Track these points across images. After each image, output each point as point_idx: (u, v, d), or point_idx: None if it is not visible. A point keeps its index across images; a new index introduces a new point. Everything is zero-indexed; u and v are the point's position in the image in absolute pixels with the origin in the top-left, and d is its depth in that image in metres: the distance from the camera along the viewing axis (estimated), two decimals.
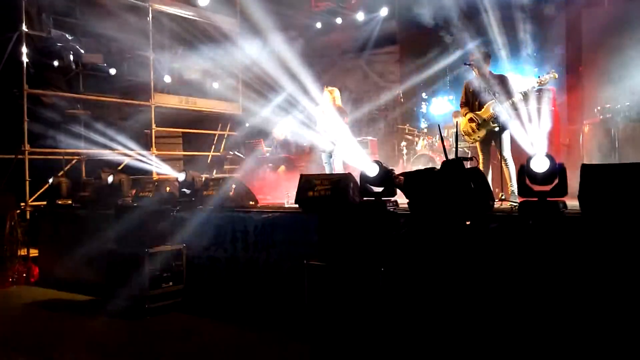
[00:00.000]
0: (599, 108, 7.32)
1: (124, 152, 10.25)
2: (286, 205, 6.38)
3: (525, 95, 6.24)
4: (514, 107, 6.15)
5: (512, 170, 6.11)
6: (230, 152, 10.61)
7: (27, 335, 5.44)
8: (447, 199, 2.43)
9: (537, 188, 4.22)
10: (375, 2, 11.13)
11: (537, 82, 6.19)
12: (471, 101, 6.44)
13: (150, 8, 10.38)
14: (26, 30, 9.03)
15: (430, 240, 2.43)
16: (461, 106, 6.60)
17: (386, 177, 4.79)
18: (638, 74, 7.46)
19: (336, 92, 7.95)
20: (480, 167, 6.29)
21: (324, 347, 4.43)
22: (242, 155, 10.25)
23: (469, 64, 6.48)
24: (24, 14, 8.97)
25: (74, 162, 9.98)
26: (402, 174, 3.46)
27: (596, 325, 3.56)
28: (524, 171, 4.27)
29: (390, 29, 11.13)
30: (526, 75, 8.58)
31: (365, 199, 4.91)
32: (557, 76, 6.28)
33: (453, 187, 2.41)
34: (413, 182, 2.42)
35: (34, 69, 9.27)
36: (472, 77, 6.53)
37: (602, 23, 8.80)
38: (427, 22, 10.32)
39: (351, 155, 7.64)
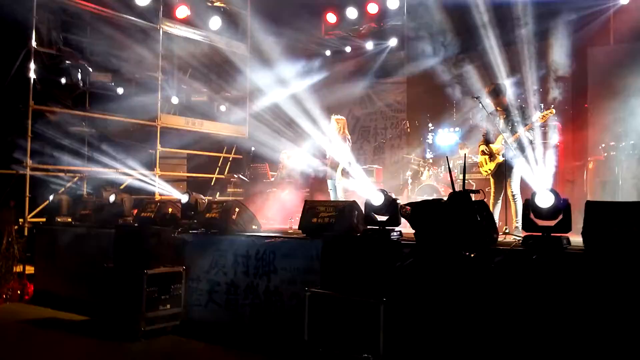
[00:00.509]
0: (603, 145, 7.34)
1: (127, 171, 10.25)
2: (289, 231, 6.34)
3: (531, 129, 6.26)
4: (527, 140, 6.16)
5: (519, 206, 6.08)
6: (235, 176, 10.60)
7: (17, 354, 5.34)
8: (453, 231, 2.40)
9: (541, 223, 4.20)
10: (385, 32, 11.27)
11: (539, 118, 6.21)
12: (491, 133, 6.48)
13: (160, 30, 10.50)
14: (35, 47, 9.11)
15: (435, 271, 2.40)
16: (483, 137, 6.62)
17: (391, 206, 4.77)
18: None
19: (343, 121, 8.00)
20: (491, 200, 6.28)
21: None
22: (246, 179, 10.24)
23: (476, 97, 6.51)
24: (34, 31, 9.06)
25: (75, 179, 9.98)
26: (409, 204, 3.43)
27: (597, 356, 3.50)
28: (528, 206, 4.25)
29: (399, 59, 11.24)
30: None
31: (369, 227, 4.89)
32: (554, 112, 6.32)
33: (459, 219, 2.38)
34: (420, 212, 2.40)
35: (41, 85, 9.33)
36: (492, 110, 6.53)
37: (608, 61, 8.88)
38: (434, 54, 10.46)
39: (356, 183, 7.63)
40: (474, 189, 5.12)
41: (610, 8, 8.78)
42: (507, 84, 6.80)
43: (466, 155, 3.33)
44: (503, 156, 6.21)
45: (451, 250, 2.41)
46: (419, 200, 3.38)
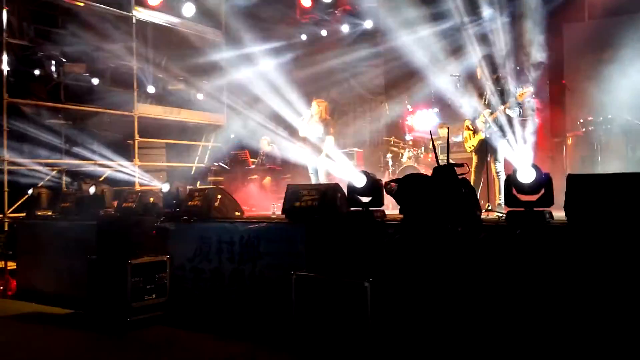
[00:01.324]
0: (581, 121, 7.42)
1: (106, 163, 10.12)
2: (273, 216, 6.32)
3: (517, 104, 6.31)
4: (507, 118, 6.21)
5: (502, 183, 6.14)
6: (215, 163, 10.52)
7: (3, 349, 5.27)
8: (438, 205, 2.41)
9: (523, 198, 4.25)
10: (360, 14, 11.20)
11: (517, 96, 6.26)
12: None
13: (134, 18, 10.31)
14: (7, 38, 8.89)
15: (421, 246, 2.40)
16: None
17: (374, 187, 4.78)
18: (619, 87, 7.58)
19: (324, 104, 7.98)
20: (472, 177, 6.33)
21: (312, 359, 4.37)
22: (227, 167, 10.17)
23: (455, 75, 6.54)
24: (5, 23, 8.83)
25: (54, 173, 9.82)
26: (395, 180, 3.44)
27: (583, 333, 3.56)
28: (510, 182, 4.29)
29: (375, 41, 11.20)
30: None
31: (352, 209, 4.89)
32: (532, 90, 6.37)
33: (444, 192, 2.39)
34: (406, 187, 2.40)
35: (15, 77, 9.13)
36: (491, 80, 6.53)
37: (583, 37, 8.96)
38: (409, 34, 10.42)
39: (337, 166, 7.63)
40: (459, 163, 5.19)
41: None
42: (484, 62, 6.81)
43: (449, 130, 3.33)
44: (494, 126, 6.25)
45: (437, 225, 2.42)
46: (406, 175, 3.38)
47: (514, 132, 6.22)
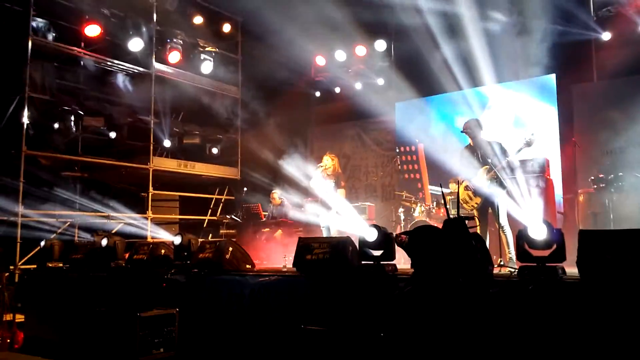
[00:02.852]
0: (592, 178, 7.44)
1: (119, 215, 10.21)
2: (284, 269, 6.30)
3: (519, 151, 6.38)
4: (509, 168, 6.27)
5: (509, 237, 6.15)
6: (227, 217, 10.58)
7: None
8: (449, 257, 2.41)
9: (535, 254, 4.22)
10: (372, 72, 11.48)
11: (525, 142, 6.34)
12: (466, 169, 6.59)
13: (153, 75, 10.66)
14: (29, 93, 9.19)
15: (433, 300, 2.39)
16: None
17: (385, 241, 4.78)
18: (628, 145, 7.62)
19: (336, 159, 8.09)
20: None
21: None
22: (239, 220, 10.22)
23: (464, 132, 6.65)
24: (28, 77, 9.16)
25: (67, 225, 9.91)
26: (405, 232, 3.45)
27: None
28: (522, 237, 4.28)
29: (386, 99, 11.43)
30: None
31: (364, 262, 4.87)
32: (534, 137, 6.47)
33: (455, 244, 2.40)
34: (416, 240, 2.41)
35: (34, 130, 9.37)
36: (467, 145, 6.70)
37: (592, 97, 9.11)
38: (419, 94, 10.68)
39: (348, 220, 7.64)
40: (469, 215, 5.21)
41: (591, 43, 9.05)
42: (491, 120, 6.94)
43: (459, 183, 3.35)
44: (488, 187, 6.30)
45: (449, 278, 2.42)
46: (417, 227, 3.39)
47: (520, 189, 6.25)
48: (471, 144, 6.62)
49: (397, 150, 11.09)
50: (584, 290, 3.73)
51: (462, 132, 6.76)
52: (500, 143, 6.53)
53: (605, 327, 3.52)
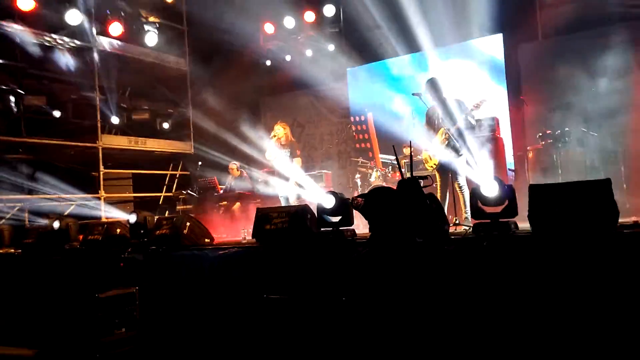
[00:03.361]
0: (540, 134, 7.64)
1: (70, 197, 9.91)
2: (243, 242, 6.28)
3: (472, 114, 6.49)
4: (467, 127, 6.38)
5: (466, 197, 6.28)
6: (183, 192, 10.41)
7: None
8: (405, 217, 2.44)
9: (489, 211, 4.34)
10: (323, 38, 11.37)
11: (473, 106, 6.47)
12: (432, 128, 6.68)
13: (95, 49, 10.23)
14: None
15: (390, 260, 2.42)
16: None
17: (343, 207, 4.81)
18: (574, 101, 7.84)
19: (287, 127, 8.03)
20: (438, 194, 6.46)
21: None
22: (195, 194, 10.08)
23: (417, 94, 6.71)
24: None
25: (16, 209, 9.56)
26: (361, 195, 3.47)
27: (548, 338, 3.62)
28: (475, 195, 4.39)
29: (338, 65, 11.37)
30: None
31: (323, 229, 4.90)
32: (485, 100, 6.61)
33: (410, 204, 2.43)
34: (372, 201, 2.43)
35: None
36: (430, 107, 6.77)
37: (538, 55, 9.30)
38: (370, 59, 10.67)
39: (306, 189, 7.65)
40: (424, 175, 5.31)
41: (535, 1, 9.22)
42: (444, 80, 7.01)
43: (411, 145, 3.39)
44: (446, 148, 6.42)
45: (405, 238, 2.45)
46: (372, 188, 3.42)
47: (475, 148, 6.38)
48: (431, 103, 6.69)
49: (352, 119, 11.10)
50: (536, 243, 3.86)
51: (414, 94, 6.82)
52: (459, 100, 6.61)
53: (557, 278, 3.66)
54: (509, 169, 8.41)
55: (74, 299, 5.73)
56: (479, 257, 3.96)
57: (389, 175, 8.96)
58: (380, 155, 10.33)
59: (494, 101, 8.70)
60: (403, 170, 2.99)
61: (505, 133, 8.82)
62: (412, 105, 8.12)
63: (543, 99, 8.43)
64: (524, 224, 4.23)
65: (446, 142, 6.44)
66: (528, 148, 7.98)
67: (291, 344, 4.31)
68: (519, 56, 9.48)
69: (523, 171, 7.98)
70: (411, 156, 3.10)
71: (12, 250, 7.64)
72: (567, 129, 7.32)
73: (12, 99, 9.87)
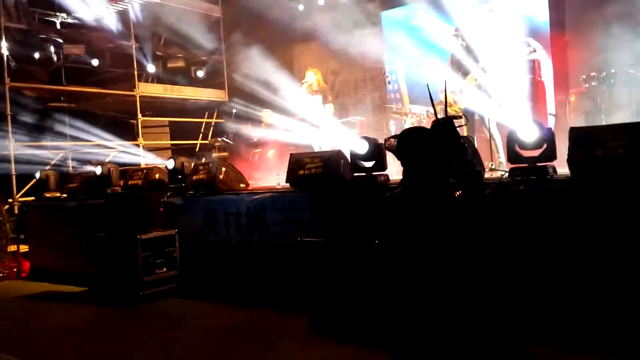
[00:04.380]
0: (584, 77, 7.35)
1: (110, 144, 10.17)
2: (278, 187, 6.36)
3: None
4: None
5: (499, 144, 6.18)
6: (219, 139, 10.53)
7: (24, 326, 5.41)
8: (440, 158, 2.42)
9: (526, 155, 4.25)
10: None
11: (530, 50, 6.26)
12: (459, 71, 6.52)
13: None
14: (5, 23, 8.86)
15: (424, 201, 2.42)
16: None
17: (376, 152, 4.80)
18: (621, 44, 7.47)
19: (319, 73, 7.93)
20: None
21: (321, 318, 4.45)
22: (230, 142, 10.18)
23: (455, 35, 6.51)
24: (1, 7, 8.80)
25: (60, 155, 9.88)
26: (394, 136, 3.44)
27: (587, 285, 3.60)
28: (512, 139, 4.29)
29: (373, 8, 11.05)
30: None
31: (356, 174, 4.92)
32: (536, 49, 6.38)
33: (444, 146, 2.40)
34: (405, 142, 2.40)
35: (15, 62, 9.13)
36: (457, 48, 6.58)
37: None
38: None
39: (339, 136, 7.62)
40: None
41: None
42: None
43: (446, 82, 3.31)
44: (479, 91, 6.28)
45: (439, 178, 2.43)
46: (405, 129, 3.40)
47: (505, 94, 6.21)
48: (463, 44, 6.49)
49: (385, 68, 10.86)
50: (574, 188, 3.78)
51: (453, 35, 6.62)
52: (491, 44, 6.41)
53: (597, 224, 3.59)
54: (550, 114, 8.15)
55: (118, 240, 5.96)
56: (515, 201, 3.92)
57: (424, 121, 8.82)
58: (410, 106, 10.15)
59: (537, 44, 8.36)
60: (437, 107, 2.93)
61: (547, 77, 8.50)
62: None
63: (589, 40, 8.04)
64: (562, 170, 4.14)
65: (477, 86, 6.26)
66: (571, 91, 7.70)
67: (324, 285, 4.41)
68: None
69: (564, 116, 7.72)
70: (446, 96, 3.04)
71: (58, 194, 7.95)
72: (613, 70, 7.01)
73: (52, 48, 10.03)
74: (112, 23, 10.27)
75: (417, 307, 2.43)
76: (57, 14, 10.05)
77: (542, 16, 8.89)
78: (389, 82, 10.51)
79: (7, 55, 8.80)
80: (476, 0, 8.41)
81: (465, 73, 6.43)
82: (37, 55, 9.84)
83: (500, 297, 2.59)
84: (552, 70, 8.48)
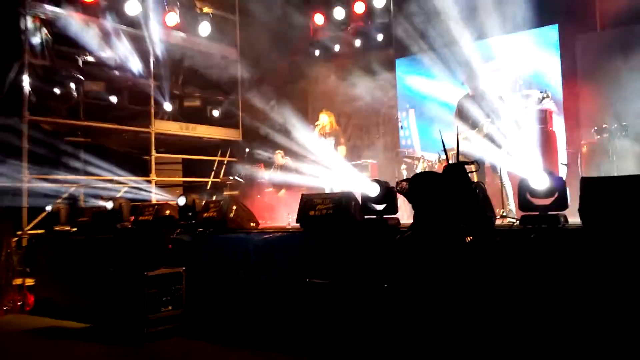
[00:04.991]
0: (596, 128, 7.38)
1: (123, 179, 10.26)
2: (288, 227, 6.36)
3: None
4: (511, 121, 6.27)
5: (509, 191, 6.17)
6: (231, 177, 10.61)
7: None
8: (451, 203, 2.42)
9: (537, 203, 4.24)
10: (372, 29, 11.31)
11: (542, 96, 6.32)
12: (466, 121, 6.57)
13: (152, 39, 10.51)
14: (29, 59, 9.12)
15: (434, 245, 2.42)
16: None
17: (387, 195, 4.81)
18: (633, 95, 7.54)
19: (332, 115, 8.04)
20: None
21: None
22: (242, 180, 10.25)
23: (464, 83, 6.61)
24: (27, 43, 9.07)
25: (72, 189, 9.97)
26: (405, 179, 3.46)
27: (598, 334, 3.52)
28: (523, 187, 4.29)
29: (387, 56, 11.30)
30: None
31: (367, 217, 4.91)
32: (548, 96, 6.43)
33: (456, 191, 2.40)
34: (417, 185, 2.41)
35: (36, 96, 9.34)
36: (465, 96, 6.67)
37: (596, 47, 8.94)
38: (423, 50, 10.51)
39: (350, 178, 7.65)
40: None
41: None
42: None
43: (458, 129, 3.33)
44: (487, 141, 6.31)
45: (450, 222, 2.43)
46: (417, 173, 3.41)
47: (516, 143, 6.25)
48: (471, 94, 6.58)
49: (398, 114, 11.02)
50: (587, 237, 3.75)
51: (463, 84, 6.72)
52: (501, 95, 6.48)
53: (608, 274, 3.55)
54: (561, 163, 8.16)
55: (124, 276, 5.94)
56: (526, 250, 3.88)
57: (435, 167, 8.85)
58: (422, 152, 10.25)
59: (548, 94, 8.45)
60: (449, 152, 2.94)
61: (559, 127, 8.55)
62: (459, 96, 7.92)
63: (600, 92, 8.12)
64: (573, 219, 4.11)
65: (486, 136, 6.31)
66: (582, 142, 7.72)
67: (332, 328, 4.35)
68: (575, 48, 9.15)
69: (576, 167, 7.72)
70: (457, 141, 3.07)
71: (68, 228, 7.98)
72: (624, 123, 7.05)
73: (73, 85, 10.26)
74: (133, 62, 10.53)
75: (426, 349, 2.39)
76: (80, 51, 10.33)
77: (554, 68, 9.03)
78: (402, 127, 10.62)
79: (28, 90, 9.02)
80: (485, 57, 8.60)
81: (474, 124, 6.48)
82: (57, 90, 10.06)
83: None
84: (563, 121, 8.55)
